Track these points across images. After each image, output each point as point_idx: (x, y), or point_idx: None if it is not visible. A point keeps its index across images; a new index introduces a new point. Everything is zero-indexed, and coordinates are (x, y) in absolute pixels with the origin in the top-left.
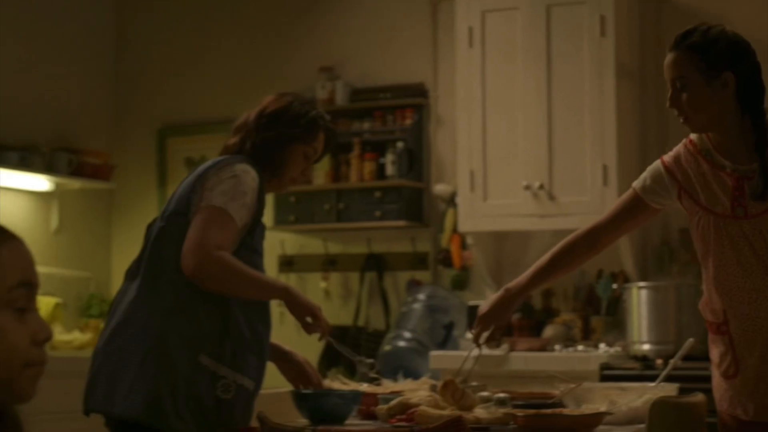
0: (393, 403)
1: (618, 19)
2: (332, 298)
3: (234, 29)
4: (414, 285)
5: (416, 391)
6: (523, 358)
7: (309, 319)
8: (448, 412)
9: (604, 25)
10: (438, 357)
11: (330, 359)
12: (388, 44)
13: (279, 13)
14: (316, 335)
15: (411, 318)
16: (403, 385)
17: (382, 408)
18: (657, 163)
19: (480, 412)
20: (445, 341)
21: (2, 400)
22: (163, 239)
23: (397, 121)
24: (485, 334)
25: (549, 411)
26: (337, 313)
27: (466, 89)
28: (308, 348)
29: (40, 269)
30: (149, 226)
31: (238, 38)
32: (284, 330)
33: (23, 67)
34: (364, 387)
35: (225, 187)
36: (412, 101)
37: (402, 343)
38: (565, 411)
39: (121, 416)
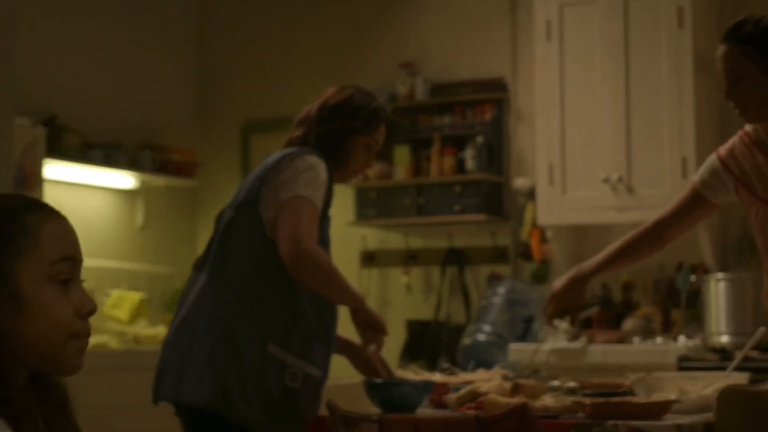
0: (462, 391)
1: (696, 10)
2: (413, 292)
3: (316, 26)
4: (494, 279)
5: (488, 380)
6: (601, 351)
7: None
8: (516, 400)
9: (681, 16)
10: (517, 350)
11: (411, 353)
12: (467, 39)
13: (360, 9)
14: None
15: (491, 312)
16: (476, 375)
17: (452, 397)
18: (712, 156)
19: (548, 400)
20: (525, 334)
21: (49, 372)
22: (232, 229)
23: (476, 115)
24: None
25: (617, 399)
26: (418, 308)
27: (544, 83)
28: (389, 341)
29: (126, 266)
30: (218, 217)
31: (319, 35)
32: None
33: (108, 67)
34: (437, 377)
35: (307, 177)
36: (492, 96)
37: (482, 337)
38: (634, 399)
39: (190, 404)
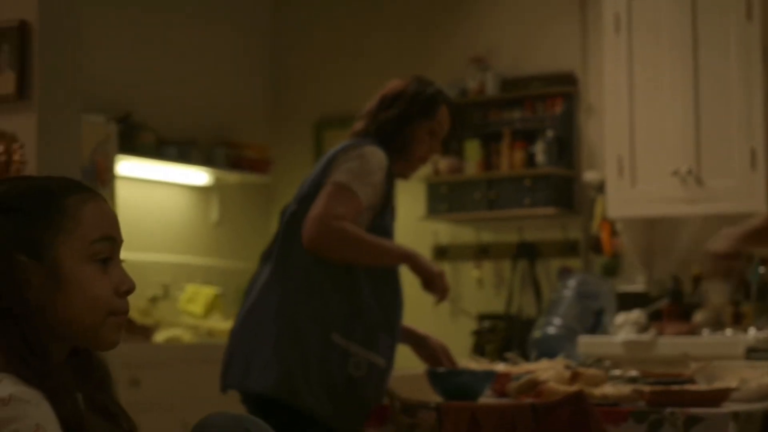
0: (522, 380)
1: (764, 1)
2: (485, 286)
3: (387, 22)
4: (565, 272)
5: (549, 369)
6: (670, 343)
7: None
8: (575, 388)
9: (750, 8)
10: (587, 342)
11: (482, 346)
12: (537, 33)
13: (431, 5)
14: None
15: (561, 305)
16: (538, 364)
17: (512, 386)
18: None
19: (608, 388)
20: (595, 327)
21: (88, 347)
22: (295, 222)
23: (546, 109)
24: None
25: (676, 387)
26: (489, 302)
27: (613, 75)
28: (460, 334)
29: (201, 261)
30: (283, 211)
31: (391, 31)
32: (436, 317)
33: (183, 65)
34: (500, 367)
35: (351, 165)
36: (562, 89)
37: (552, 330)
38: (692, 387)
39: (256, 393)
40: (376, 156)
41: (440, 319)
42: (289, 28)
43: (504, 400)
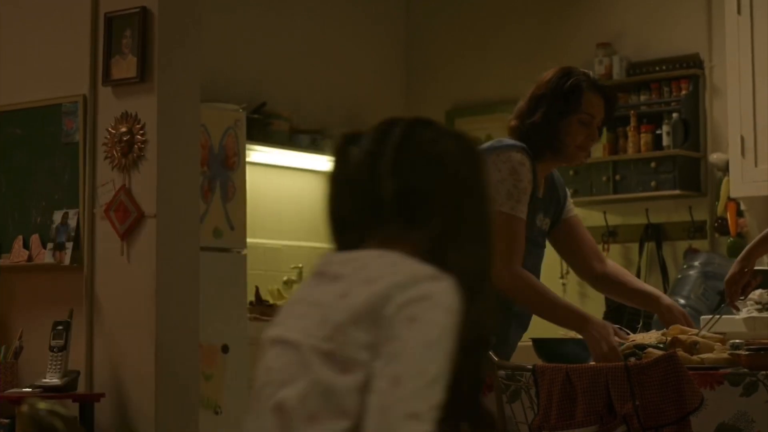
0: (624, 346)
1: None
2: None
3: (516, 10)
4: (691, 253)
5: (651, 337)
6: None
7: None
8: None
9: None
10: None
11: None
12: (662, 17)
13: None
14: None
15: (686, 284)
16: (645, 335)
17: None
18: None
19: (707, 355)
20: (719, 307)
21: None
22: None
23: (672, 92)
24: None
25: None
26: None
27: (735, 57)
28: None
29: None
30: None
31: (520, 19)
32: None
33: (316, 55)
34: None
35: (508, 186)
36: (688, 72)
37: None
38: None
39: None
40: (525, 167)
41: (570, 300)
42: (422, 17)
43: (599, 363)
